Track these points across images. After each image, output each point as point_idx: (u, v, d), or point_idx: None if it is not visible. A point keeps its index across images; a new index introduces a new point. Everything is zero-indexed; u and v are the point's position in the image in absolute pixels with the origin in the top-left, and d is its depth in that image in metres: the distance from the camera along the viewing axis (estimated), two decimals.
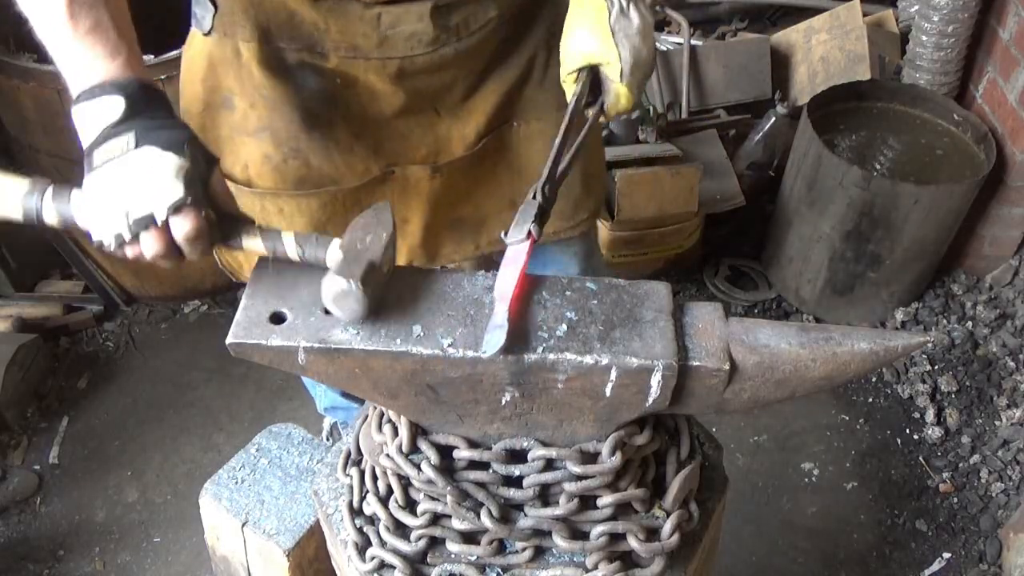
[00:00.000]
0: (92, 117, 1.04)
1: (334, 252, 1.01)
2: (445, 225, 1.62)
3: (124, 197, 1.00)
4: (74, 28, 1.07)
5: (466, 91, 1.52)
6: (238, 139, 1.49)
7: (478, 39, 1.46)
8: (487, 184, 1.63)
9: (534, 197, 1.12)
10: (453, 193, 1.59)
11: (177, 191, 0.99)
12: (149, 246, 1.02)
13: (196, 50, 1.45)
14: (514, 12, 1.50)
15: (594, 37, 1.27)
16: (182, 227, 1.00)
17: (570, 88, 1.32)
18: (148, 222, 1.00)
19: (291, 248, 1.04)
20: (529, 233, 1.08)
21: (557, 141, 1.20)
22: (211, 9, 1.37)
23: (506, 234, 1.09)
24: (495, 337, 0.98)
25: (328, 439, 2.41)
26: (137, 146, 1.01)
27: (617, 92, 1.30)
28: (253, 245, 1.06)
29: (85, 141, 1.05)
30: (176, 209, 0.99)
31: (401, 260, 1.66)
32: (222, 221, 1.05)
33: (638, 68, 1.29)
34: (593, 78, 1.31)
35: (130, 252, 1.03)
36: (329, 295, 0.96)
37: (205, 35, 1.41)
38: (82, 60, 1.07)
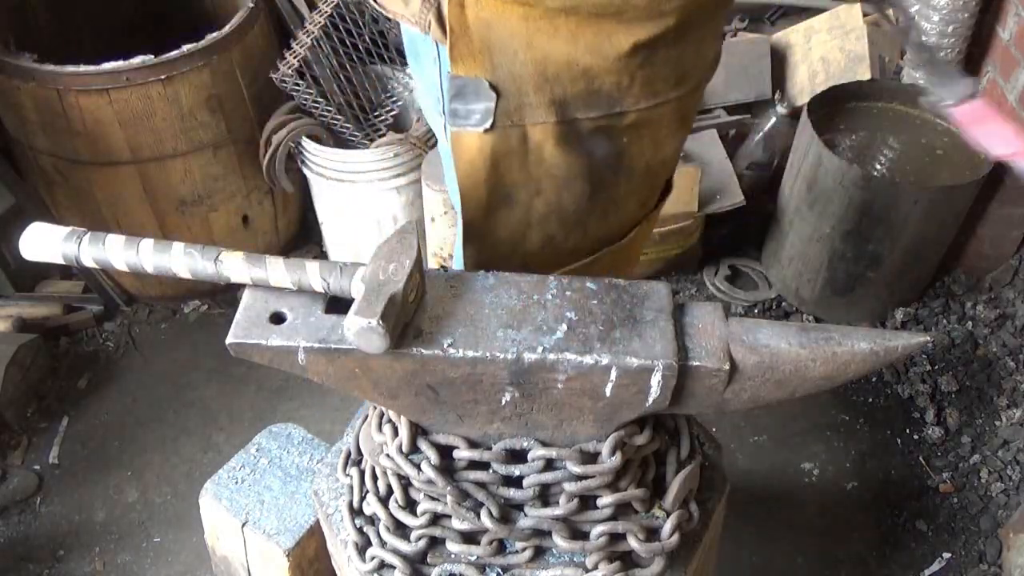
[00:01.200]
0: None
1: (357, 284, 1.00)
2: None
3: None
4: None
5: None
6: (517, 234, 1.30)
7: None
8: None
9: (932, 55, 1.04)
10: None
11: None
12: None
13: (473, 151, 1.20)
14: None
15: None
16: None
17: None
18: None
19: (315, 280, 1.02)
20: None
21: None
22: (491, 98, 1.14)
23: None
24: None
25: None
26: None
27: None
28: (279, 277, 1.03)
29: None
30: None
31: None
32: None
33: None
34: None
35: None
36: (351, 332, 0.95)
37: (487, 131, 1.17)
38: None
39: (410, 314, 1.01)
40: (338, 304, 1.04)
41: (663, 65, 1.16)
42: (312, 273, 1.02)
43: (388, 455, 1.10)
